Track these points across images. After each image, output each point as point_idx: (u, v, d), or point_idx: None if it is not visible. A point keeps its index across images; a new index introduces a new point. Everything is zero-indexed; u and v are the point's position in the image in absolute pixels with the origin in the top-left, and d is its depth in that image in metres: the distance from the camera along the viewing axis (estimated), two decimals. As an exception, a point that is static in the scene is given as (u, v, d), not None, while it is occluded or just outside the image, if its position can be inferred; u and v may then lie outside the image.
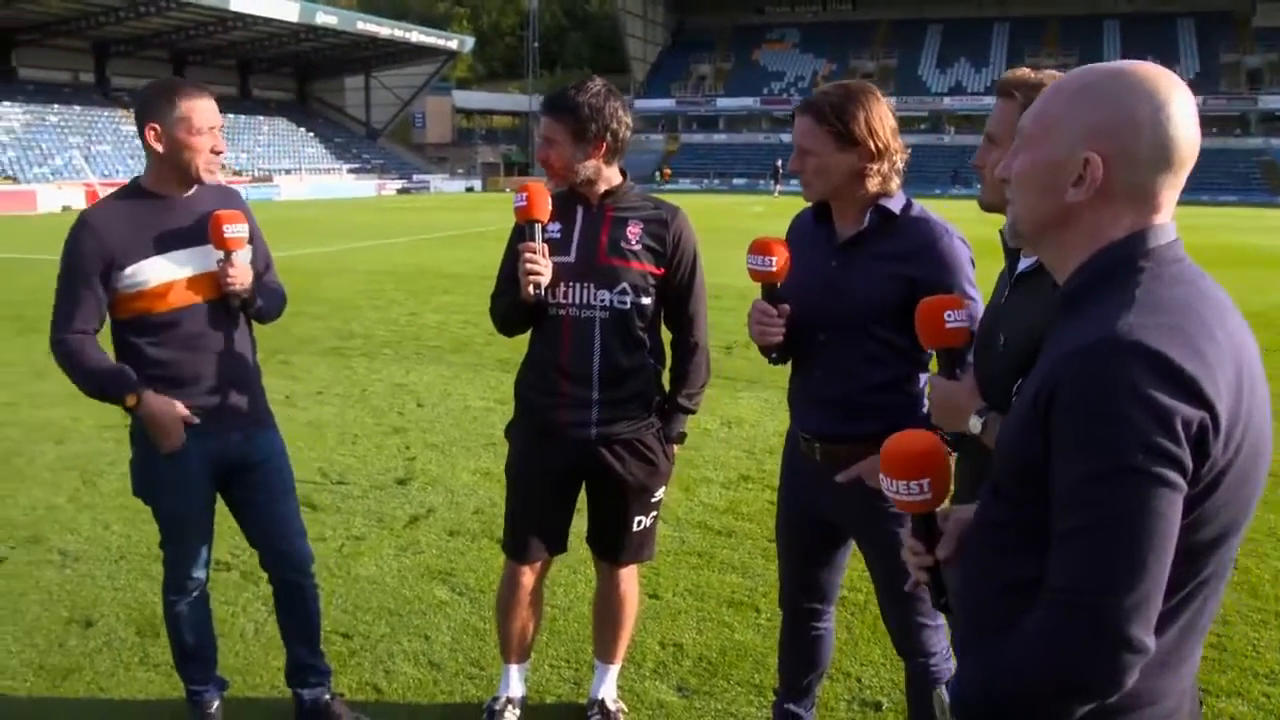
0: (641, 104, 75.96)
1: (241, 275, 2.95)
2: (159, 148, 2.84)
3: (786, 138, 67.84)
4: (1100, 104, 1.40)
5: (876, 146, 2.50)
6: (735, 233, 23.47)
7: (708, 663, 3.76)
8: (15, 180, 39.97)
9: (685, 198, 51.41)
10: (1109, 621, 1.25)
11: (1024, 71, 2.22)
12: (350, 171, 58.21)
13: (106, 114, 49.92)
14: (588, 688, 3.49)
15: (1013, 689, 1.36)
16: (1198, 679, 1.54)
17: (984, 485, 1.55)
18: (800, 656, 3.07)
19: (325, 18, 54.25)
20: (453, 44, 65.90)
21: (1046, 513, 1.33)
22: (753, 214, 33.70)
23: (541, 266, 2.87)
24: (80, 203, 39.67)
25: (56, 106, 47.74)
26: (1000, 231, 2.19)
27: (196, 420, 2.92)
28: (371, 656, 3.79)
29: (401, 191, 56.52)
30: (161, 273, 2.88)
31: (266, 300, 3.11)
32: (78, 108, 48.75)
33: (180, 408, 2.90)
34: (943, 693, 1.47)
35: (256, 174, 50.52)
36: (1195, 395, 1.26)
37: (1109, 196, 1.40)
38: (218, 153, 2.91)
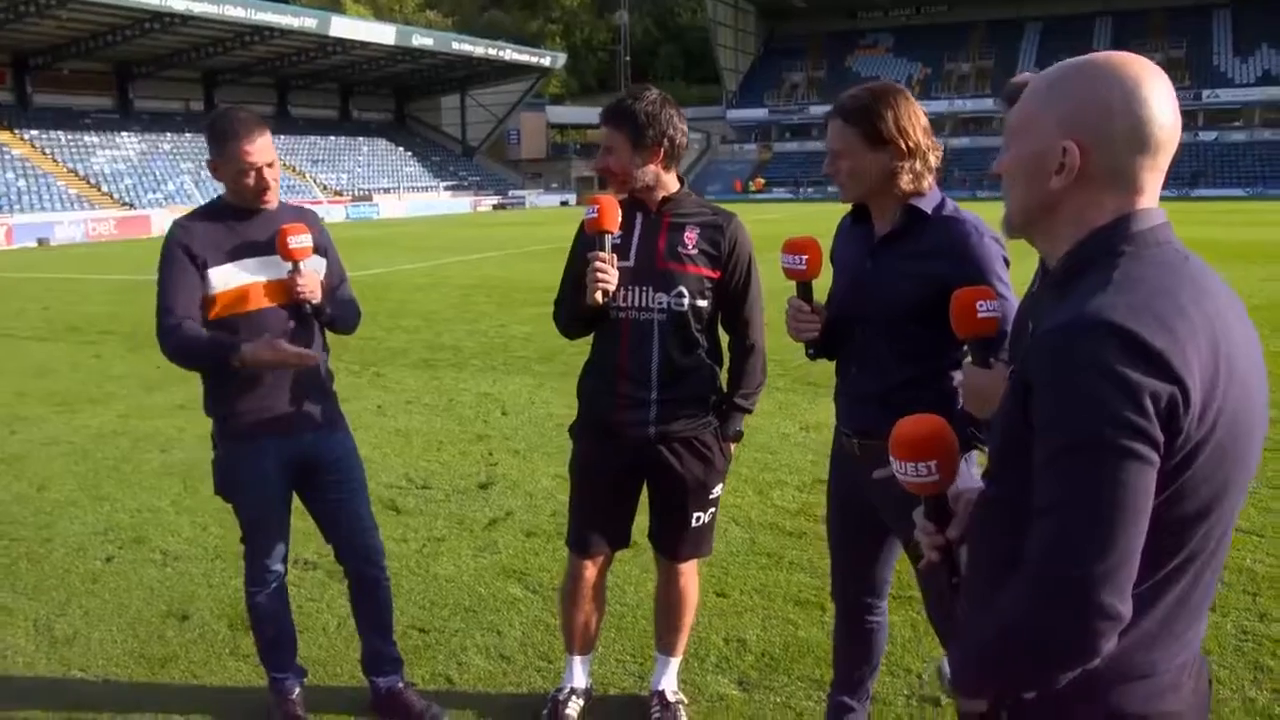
0: (734, 114, 76.03)
1: (310, 283, 3.15)
2: (220, 178, 3.13)
3: (880, 143, 67.62)
4: (1074, 93, 1.45)
5: (907, 145, 2.56)
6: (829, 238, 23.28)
7: (770, 658, 3.82)
8: (131, 206, 41.92)
9: (781, 208, 51.23)
10: (1080, 589, 1.29)
11: (1026, 76, 2.27)
12: (447, 189, 59.51)
13: (216, 140, 51.92)
14: (649, 682, 3.59)
15: (998, 658, 1.41)
16: (1205, 658, 1.56)
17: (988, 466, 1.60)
18: (853, 650, 3.11)
19: (421, 40, 55.70)
20: (545, 60, 66.93)
21: (1020, 487, 1.38)
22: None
23: (610, 275, 2.99)
24: (192, 226, 41.42)
25: (169, 135, 49.94)
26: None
27: (289, 348, 3.05)
28: (445, 650, 3.95)
29: (497, 207, 57.56)
30: (238, 277, 3.11)
31: (339, 310, 3.33)
32: (189, 135, 50.87)
33: (275, 343, 3.04)
34: (944, 665, 1.53)
35: (356, 194, 52.06)
36: (1164, 370, 1.29)
37: (1089, 181, 1.45)
38: (265, 189, 3.14)
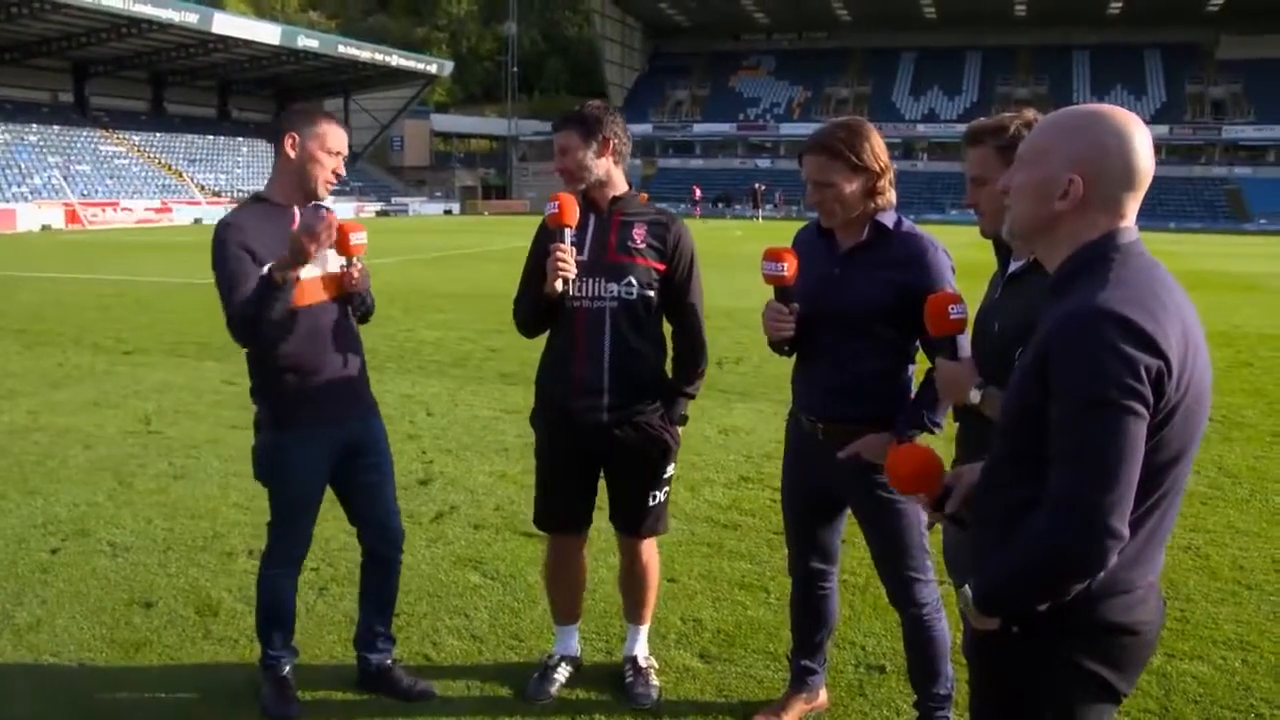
0: (619, 128, 76.40)
1: (364, 279, 3.38)
2: (292, 154, 3.25)
3: (763, 163, 69.49)
4: (1080, 137, 1.86)
5: (880, 167, 2.98)
6: (718, 256, 24.10)
7: (725, 634, 4.15)
8: (-6, 199, 39.97)
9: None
10: (1095, 514, 1.70)
11: (983, 121, 2.72)
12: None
13: (85, 134, 49.98)
14: (618, 655, 3.88)
15: (1022, 574, 1.80)
16: (1161, 582, 1.96)
17: (993, 437, 1.98)
18: (810, 615, 3.48)
19: (306, 41, 54.67)
20: (432, 68, 66.44)
21: (1040, 444, 1.78)
22: (733, 238, 34.19)
23: (570, 264, 3.30)
24: (60, 222, 39.74)
25: (35, 126, 47.73)
26: (994, 241, 2.67)
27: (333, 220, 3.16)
28: (418, 631, 4.15)
29: (380, 214, 56.79)
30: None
31: (370, 304, 3.57)
32: (56, 127, 48.76)
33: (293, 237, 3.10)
34: (967, 591, 1.90)
35: (236, 195, 50.61)
36: (1153, 348, 1.71)
37: (1087, 207, 1.86)
38: (339, 176, 3.32)
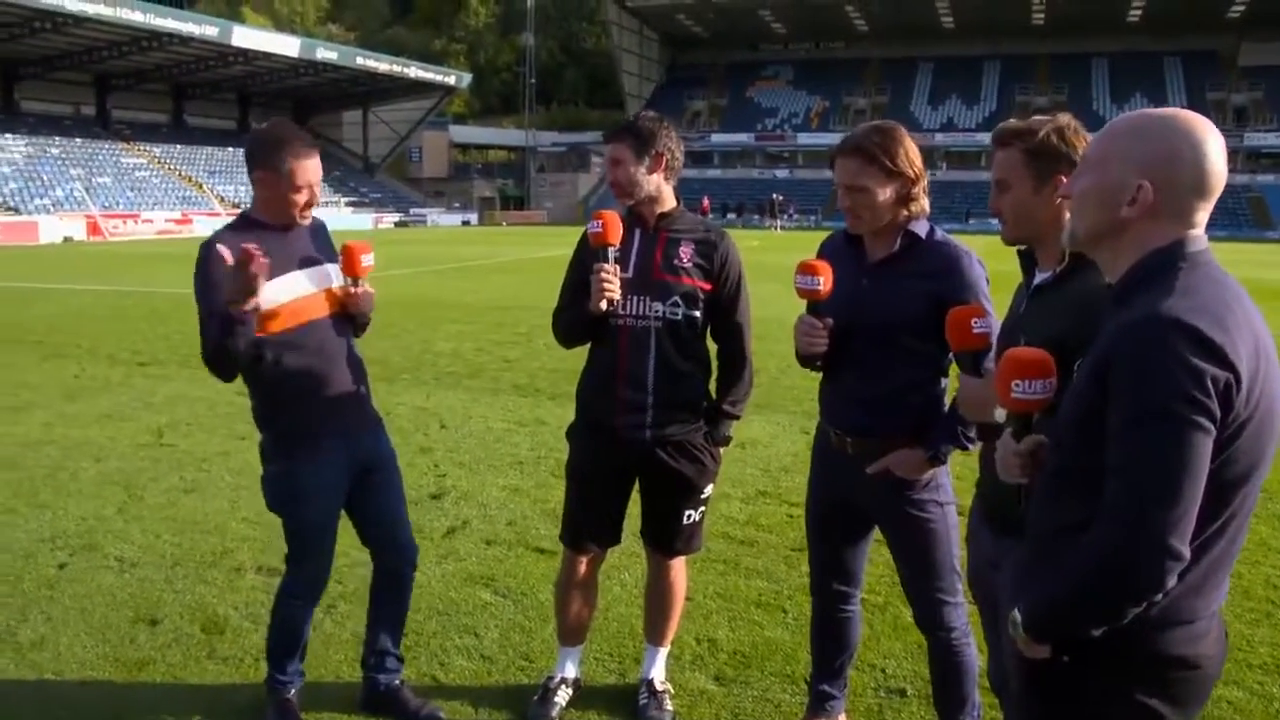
0: (636, 139, 76.47)
1: (368, 300, 3.31)
2: (264, 194, 3.18)
3: (781, 173, 69.37)
4: (1151, 142, 1.76)
5: (914, 173, 2.86)
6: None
7: (741, 656, 4.03)
8: (17, 211, 40.27)
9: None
10: (1154, 531, 1.59)
11: (1014, 122, 2.53)
12: (348, 204, 58.64)
13: (107, 146, 50.36)
14: (631, 677, 3.78)
15: (1075, 595, 1.69)
16: (1223, 613, 1.85)
17: (1047, 451, 1.88)
18: (831, 638, 3.35)
19: (325, 53, 54.90)
20: (450, 79, 66.61)
21: (1095, 457, 1.67)
22: (749, 248, 34.08)
23: (614, 284, 3.20)
24: (81, 234, 40.02)
25: (58, 139, 48.12)
26: (1018, 252, 2.53)
27: (260, 253, 2.93)
28: (426, 651, 4.05)
29: (399, 225, 56.97)
30: (292, 290, 3.17)
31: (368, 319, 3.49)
32: (79, 140, 49.14)
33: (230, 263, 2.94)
34: (1016, 615, 1.79)
35: (255, 206, 50.79)
36: (1222, 359, 1.61)
37: (1156, 214, 1.76)
38: (310, 206, 3.22)
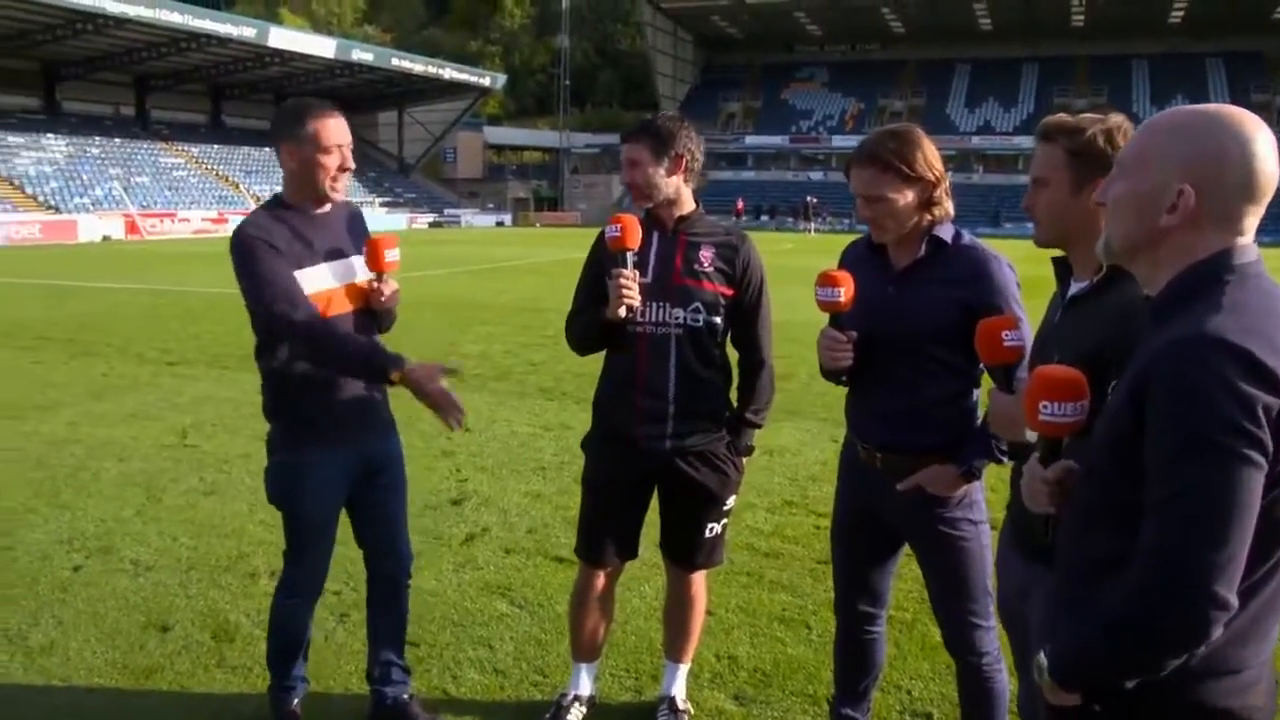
0: (670, 141, 76.32)
1: (393, 296, 3.21)
2: (292, 165, 3.04)
3: (815, 175, 68.94)
4: (1193, 141, 1.59)
5: (935, 176, 2.72)
6: (769, 270, 23.53)
7: (762, 674, 3.89)
8: (57, 210, 40.80)
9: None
10: (1197, 575, 1.43)
11: (1062, 117, 2.34)
12: (383, 205, 58.93)
13: (146, 146, 50.92)
14: (648, 694, 3.66)
15: (1106, 643, 1.52)
16: (1274, 661, 1.68)
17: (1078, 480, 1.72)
18: (854, 661, 3.21)
19: (361, 54, 55.24)
20: (485, 81, 66.76)
21: (1130, 488, 1.51)
22: (783, 250, 33.80)
23: (634, 290, 3.08)
24: (120, 233, 40.44)
25: (98, 139, 48.72)
26: (1052, 259, 2.37)
27: (457, 370, 2.95)
28: (439, 663, 3.95)
29: (433, 225, 57.15)
30: (319, 282, 3.06)
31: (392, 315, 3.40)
32: (118, 140, 49.72)
33: (437, 376, 2.92)
34: (1041, 659, 1.64)
35: (291, 206, 51.15)
36: (1274, 385, 1.44)
37: (1198, 222, 1.59)
38: (345, 170, 3.07)
